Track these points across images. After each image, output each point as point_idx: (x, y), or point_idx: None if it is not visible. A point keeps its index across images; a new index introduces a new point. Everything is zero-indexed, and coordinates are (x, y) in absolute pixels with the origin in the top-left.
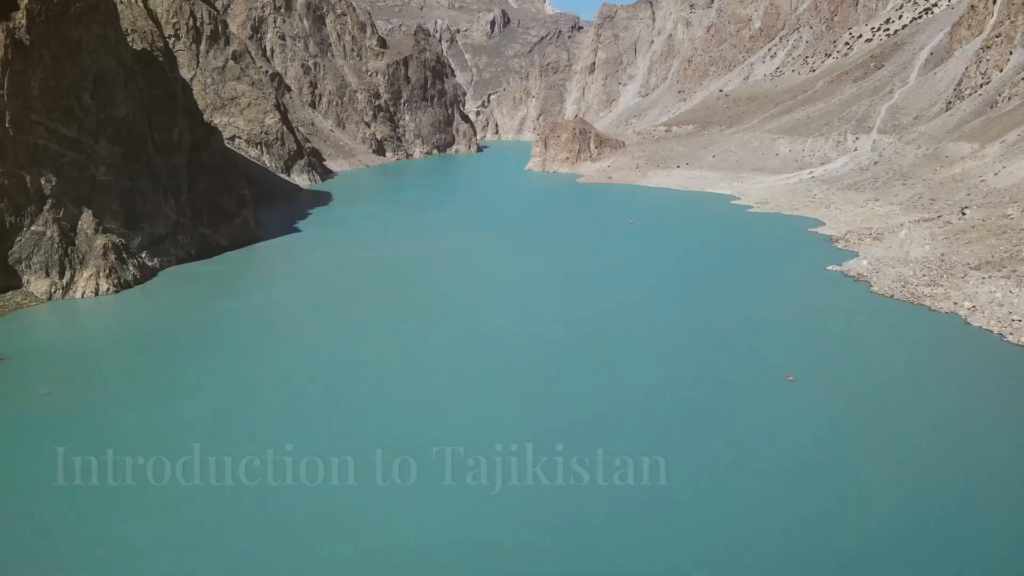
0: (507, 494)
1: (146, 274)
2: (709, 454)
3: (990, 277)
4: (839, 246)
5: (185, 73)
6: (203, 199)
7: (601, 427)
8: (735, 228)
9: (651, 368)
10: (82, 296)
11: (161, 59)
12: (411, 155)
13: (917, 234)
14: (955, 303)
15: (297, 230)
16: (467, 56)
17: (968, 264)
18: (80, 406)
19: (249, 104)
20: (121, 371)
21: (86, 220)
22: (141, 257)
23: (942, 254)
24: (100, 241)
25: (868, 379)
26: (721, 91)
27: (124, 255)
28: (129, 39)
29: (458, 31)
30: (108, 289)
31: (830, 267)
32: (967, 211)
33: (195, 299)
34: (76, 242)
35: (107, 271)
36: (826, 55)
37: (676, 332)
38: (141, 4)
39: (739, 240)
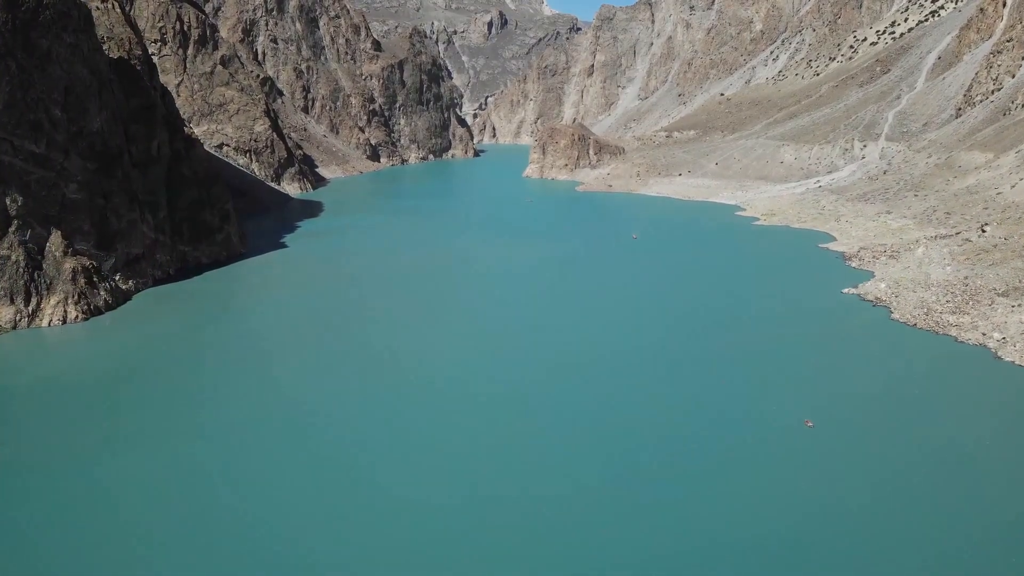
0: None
1: (119, 298)
2: (717, 512)
3: (1019, 305)
4: (853, 265)
5: (171, 79)
6: (183, 214)
7: (598, 474)
8: (742, 243)
9: (655, 408)
10: (49, 324)
11: (139, 67)
12: (406, 160)
13: (935, 253)
14: (983, 334)
15: (284, 245)
16: (464, 58)
17: (995, 290)
18: (31, 459)
19: (238, 110)
20: (81, 414)
21: (54, 242)
22: (114, 280)
23: (965, 277)
24: (69, 264)
25: (895, 426)
26: (722, 95)
27: (95, 279)
28: (105, 47)
29: (455, 32)
30: (77, 316)
31: (846, 290)
32: (987, 228)
33: (168, 327)
34: (44, 266)
35: (76, 297)
36: (830, 59)
37: (684, 366)
38: (118, 10)
39: (747, 257)
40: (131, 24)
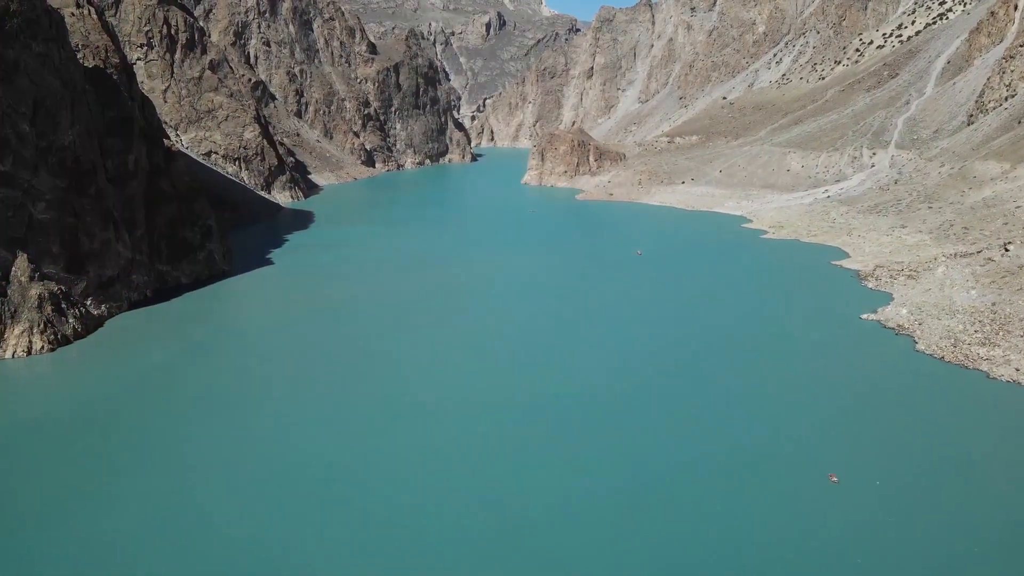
0: None
1: (90, 325)
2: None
3: None
4: (870, 285)
5: (158, 85)
6: (162, 232)
7: (602, 506)
8: (752, 260)
9: (662, 458)
10: (12, 356)
11: (116, 76)
12: (402, 166)
13: (957, 273)
14: (1017, 369)
15: (271, 261)
16: (462, 59)
17: None
18: None
19: (227, 117)
20: (39, 463)
21: (20, 266)
22: (85, 305)
23: (993, 303)
24: (35, 291)
25: (927, 480)
26: (725, 98)
27: (63, 305)
28: (80, 56)
29: (452, 33)
30: (43, 347)
31: (865, 315)
32: (1010, 247)
33: (140, 358)
34: (8, 292)
35: (41, 326)
36: (835, 62)
37: (691, 408)
38: (94, 17)
39: (758, 277)
40: (108, 31)
